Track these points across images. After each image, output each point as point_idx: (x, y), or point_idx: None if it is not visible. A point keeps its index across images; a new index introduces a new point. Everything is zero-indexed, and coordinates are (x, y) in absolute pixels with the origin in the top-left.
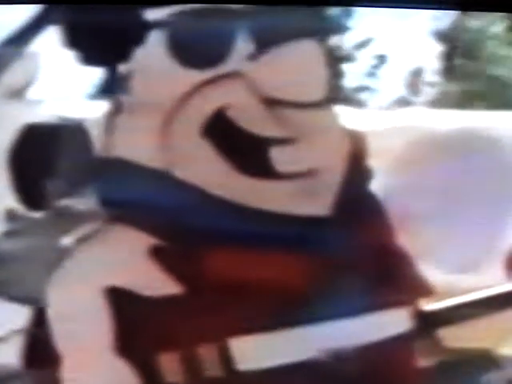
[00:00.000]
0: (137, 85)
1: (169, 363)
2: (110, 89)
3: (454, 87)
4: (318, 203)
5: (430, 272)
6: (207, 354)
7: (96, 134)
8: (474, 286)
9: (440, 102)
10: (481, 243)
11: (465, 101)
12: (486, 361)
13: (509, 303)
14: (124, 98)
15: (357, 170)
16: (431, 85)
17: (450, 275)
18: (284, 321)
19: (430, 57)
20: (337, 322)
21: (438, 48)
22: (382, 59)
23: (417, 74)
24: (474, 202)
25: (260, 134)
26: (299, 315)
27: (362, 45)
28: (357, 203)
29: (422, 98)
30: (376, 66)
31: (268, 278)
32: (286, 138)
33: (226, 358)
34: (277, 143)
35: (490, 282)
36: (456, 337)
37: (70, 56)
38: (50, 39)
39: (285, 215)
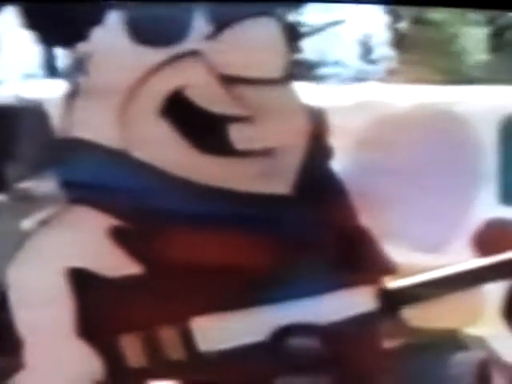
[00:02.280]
0: (95, 65)
1: (131, 346)
2: (69, 69)
3: (410, 62)
4: (278, 182)
5: (395, 251)
6: (169, 336)
7: (55, 115)
8: (439, 265)
9: (397, 77)
10: (445, 222)
11: (422, 75)
12: (452, 341)
13: (475, 282)
14: (82, 79)
15: (317, 148)
16: (387, 59)
17: (414, 254)
18: (246, 301)
19: (385, 31)
20: (299, 301)
21: (393, 22)
22: (339, 34)
23: (372, 48)
24: (438, 180)
25: (219, 112)
26: (261, 295)
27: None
28: (318, 182)
29: (379, 73)
30: (333, 41)
31: (229, 258)
32: (245, 116)
33: (187, 340)
34: (236, 121)
35: (455, 261)
36: (421, 316)
37: (28, 36)
38: (8, 20)
39: (245, 194)
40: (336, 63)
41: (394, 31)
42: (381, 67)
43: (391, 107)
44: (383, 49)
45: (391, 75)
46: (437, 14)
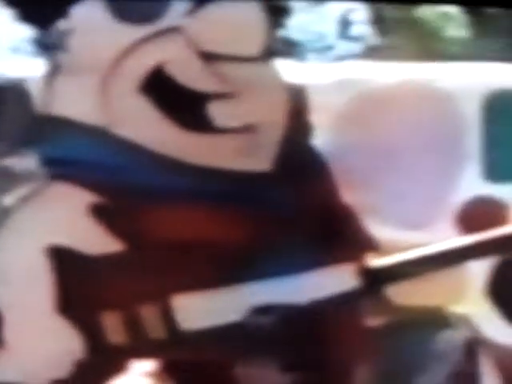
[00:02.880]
0: (75, 42)
1: (111, 323)
2: (49, 47)
3: (391, 40)
4: (258, 159)
5: (377, 229)
6: (149, 313)
7: (35, 93)
8: (423, 242)
9: (378, 54)
10: (430, 199)
11: (403, 53)
12: (437, 319)
13: (459, 259)
14: (63, 57)
15: (298, 125)
16: (368, 37)
17: (397, 232)
18: (227, 279)
19: (366, 9)
20: (281, 279)
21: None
22: (320, 11)
23: (353, 26)
24: (421, 157)
25: (198, 89)
26: (242, 273)
27: None
28: (298, 159)
29: (360, 51)
30: (314, 19)
31: (210, 235)
32: (224, 92)
33: (168, 318)
34: (216, 98)
35: (439, 239)
36: (405, 294)
37: (7, 14)
38: None
39: (226, 171)
40: (317, 41)
41: (374, 10)
42: (362, 45)
43: (372, 84)
44: (364, 27)
45: (372, 53)
46: None
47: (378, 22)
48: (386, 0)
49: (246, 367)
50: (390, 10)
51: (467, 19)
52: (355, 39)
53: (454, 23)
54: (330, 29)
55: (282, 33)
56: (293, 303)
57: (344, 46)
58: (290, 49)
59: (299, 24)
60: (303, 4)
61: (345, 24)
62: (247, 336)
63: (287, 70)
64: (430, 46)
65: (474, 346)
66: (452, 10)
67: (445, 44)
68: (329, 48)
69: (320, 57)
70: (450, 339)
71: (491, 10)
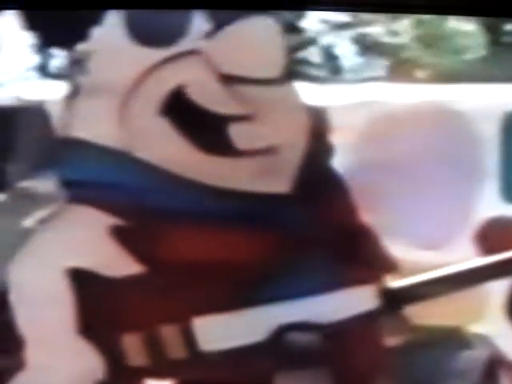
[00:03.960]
0: (95, 65)
1: (132, 344)
2: (69, 70)
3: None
4: (279, 180)
5: (397, 249)
6: (170, 335)
7: (56, 116)
8: (442, 262)
9: (397, 75)
10: (448, 219)
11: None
12: (455, 339)
13: (478, 280)
14: (83, 79)
15: (318, 146)
16: (387, 58)
17: (416, 252)
18: (247, 300)
19: (384, 30)
20: (301, 300)
21: (392, 22)
22: (339, 33)
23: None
24: (440, 178)
25: (219, 111)
26: (262, 294)
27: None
28: (318, 180)
29: (378, 72)
30: (334, 41)
31: (230, 257)
32: (244, 115)
33: (189, 339)
34: (236, 120)
35: (457, 259)
36: (424, 314)
37: (29, 38)
38: (9, 22)
39: (246, 193)
40: (336, 62)
41: (392, 31)
42: (381, 66)
43: (392, 106)
44: (382, 48)
45: (391, 74)
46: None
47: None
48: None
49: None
50: (409, 30)
51: (485, 38)
52: (374, 61)
53: (472, 42)
54: (350, 50)
55: (301, 54)
56: (314, 323)
57: (364, 68)
58: (310, 70)
59: (319, 45)
60: (323, 26)
61: (364, 46)
62: (268, 356)
63: (307, 91)
64: (448, 67)
65: (494, 366)
66: (470, 27)
67: (463, 64)
68: (349, 69)
69: (339, 78)
70: (470, 359)
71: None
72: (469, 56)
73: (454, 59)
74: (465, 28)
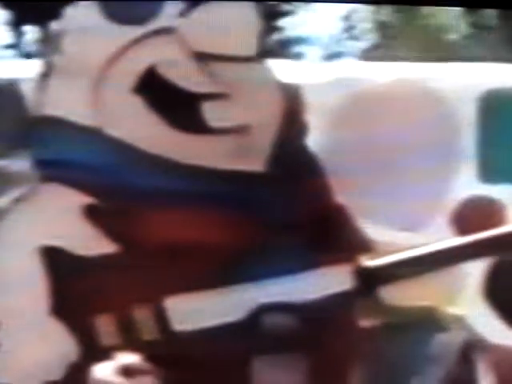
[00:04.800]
0: (68, 44)
1: (105, 325)
2: (42, 49)
3: (387, 39)
4: (252, 159)
5: (372, 230)
6: (143, 315)
7: (28, 95)
8: (418, 243)
9: (374, 54)
10: (424, 200)
11: (399, 53)
12: (432, 321)
13: (454, 260)
14: (56, 58)
15: (293, 125)
16: (364, 37)
17: (392, 233)
18: (221, 280)
19: (363, 10)
20: (275, 280)
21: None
22: (316, 11)
23: (350, 26)
24: (416, 157)
25: (192, 89)
26: (236, 274)
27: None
28: (293, 159)
29: (357, 51)
30: (309, 19)
31: (204, 237)
32: (218, 93)
33: (162, 319)
34: (210, 99)
35: (434, 240)
36: (399, 295)
37: (1, 17)
38: None
39: (219, 172)
40: (312, 41)
41: (372, 11)
42: (358, 45)
43: (368, 84)
44: (360, 27)
45: (368, 52)
46: None
47: (376, 22)
48: (386, 2)
49: (250, 367)
50: (388, 12)
51: (464, 20)
52: (353, 39)
53: (451, 24)
54: (327, 29)
55: (277, 33)
56: (288, 303)
57: (341, 46)
58: (285, 48)
59: (295, 24)
60: (299, 4)
61: (342, 24)
62: (243, 337)
63: (282, 69)
64: (427, 47)
65: (470, 348)
66: (449, 10)
67: (442, 45)
68: (325, 48)
69: (316, 56)
70: (446, 341)
71: (487, 11)
72: (449, 36)
73: (434, 38)
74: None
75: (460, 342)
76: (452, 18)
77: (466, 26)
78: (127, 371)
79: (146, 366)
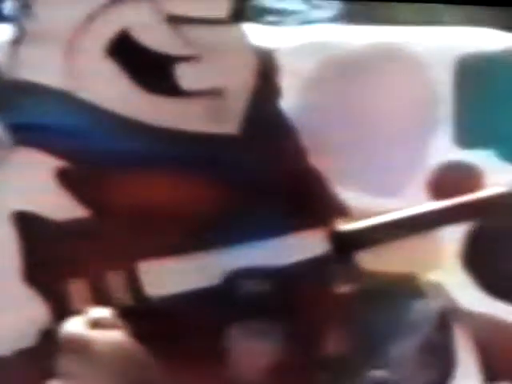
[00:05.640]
0: (41, 9)
1: (77, 291)
2: (15, 14)
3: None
4: (225, 122)
5: (347, 194)
6: (116, 281)
7: (1, 59)
8: (394, 208)
9: (349, 17)
10: (400, 164)
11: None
12: (409, 287)
13: (431, 225)
14: (28, 22)
15: (266, 88)
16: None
17: (367, 198)
18: (194, 244)
19: None
20: (249, 245)
21: None
22: None
23: None
24: (391, 122)
25: (165, 52)
26: (210, 239)
27: None
28: (266, 122)
29: (327, 14)
30: None
31: (176, 200)
32: (191, 55)
33: (134, 284)
34: (182, 61)
35: (410, 205)
36: (376, 260)
37: None
38: None
39: (192, 134)
40: (286, 4)
41: None
42: (333, 8)
43: (342, 48)
44: None
45: (343, 17)
46: None
47: None
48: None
49: (225, 333)
50: None
51: None
52: (326, 2)
53: None
54: None
55: None
56: (263, 268)
57: (314, 10)
58: (259, 12)
59: None
60: None
61: None
62: (218, 302)
63: (256, 33)
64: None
65: (448, 315)
66: None
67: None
68: (298, 12)
69: (289, 20)
70: (423, 308)
71: None
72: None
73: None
74: None
75: (437, 309)
76: None
77: None
78: (97, 324)
79: (117, 319)
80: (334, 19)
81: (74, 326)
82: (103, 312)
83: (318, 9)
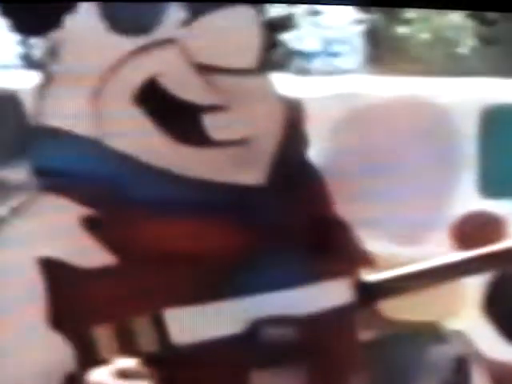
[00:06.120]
0: (68, 53)
1: (103, 336)
2: (43, 58)
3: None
4: (253, 171)
5: (372, 242)
6: (141, 326)
7: (28, 104)
8: (418, 257)
9: (376, 68)
10: (424, 214)
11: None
12: (431, 334)
13: (453, 275)
14: (56, 67)
15: (293, 137)
16: (366, 50)
17: (392, 245)
18: (221, 291)
19: (363, 23)
20: (275, 293)
21: (364, 15)
22: (315, 24)
23: (351, 40)
24: (417, 171)
25: (193, 101)
26: (236, 286)
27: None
28: (293, 171)
29: (358, 65)
30: (312, 32)
31: (204, 248)
32: (219, 105)
33: (160, 331)
34: (210, 110)
35: (433, 254)
36: (399, 308)
37: (1, 25)
38: None
39: (219, 184)
40: (315, 54)
41: (371, 23)
42: (359, 59)
43: (370, 98)
44: (361, 40)
45: (370, 66)
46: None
47: (377, 35)
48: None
49: (249, 380)
50: (389, 24)
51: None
52: (353, 53)
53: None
54: (328, 42)
55: (279, 45)
56: (288, 316)
57: (342, 60)
58: (287, 61)
59: (297, 36)
60: (301, 17)
61: (342, 38)
62: (243, 349)
63: (284, 82)
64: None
65: (468, 361)
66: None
67: (445, 59)
68: (327, 61)
69: (318, 70)
70: (444, 354)
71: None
72: (457, 50)
73: (442, 52)
74: (455, 21)
75: (457, 355)
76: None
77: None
78: (124, 374)
79: (143, 369)
80: (361, 66)
81: (101, 375)
82: (130, 362)
83: (345, 55)
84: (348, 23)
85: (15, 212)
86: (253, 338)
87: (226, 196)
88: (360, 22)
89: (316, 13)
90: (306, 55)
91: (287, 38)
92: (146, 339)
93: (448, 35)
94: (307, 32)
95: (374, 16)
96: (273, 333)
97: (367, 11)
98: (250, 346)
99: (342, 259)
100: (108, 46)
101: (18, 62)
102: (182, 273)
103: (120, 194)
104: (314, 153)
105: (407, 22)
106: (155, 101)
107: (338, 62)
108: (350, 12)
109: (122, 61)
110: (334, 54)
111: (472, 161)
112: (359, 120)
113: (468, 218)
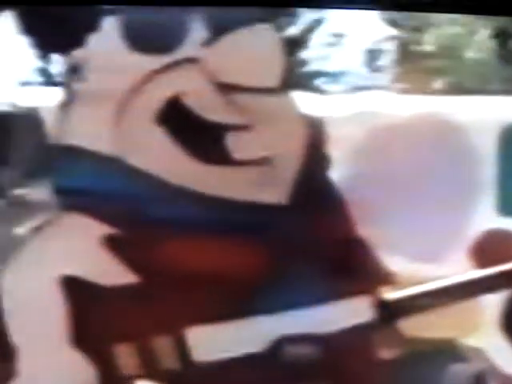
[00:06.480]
0: (91, 71)
1: (125, 355)
2: (65, 76)
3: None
4: (275, 191)
5: (392, 261)
6: (163, 345)
7: (49, 122)
8: (437, 275)
9: (396, 86)
10: (444, 232)
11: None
12: (450, 352)
13: (472, 293)
14: (78, 85)
15: (315, 157)
16: (387, 69)
17: (412, 264)
18: (242, 311)
19: (385, 41)
20: (296, 311)
21: (390, 32)
22: (337, 43)
23: (372, 58)
24: (436, 190)
25: (216, 120)
26: (257, 305)
27: (316, 28)
28: (315, 191)
29: (378, 83)
30: (332, 51)
31: (225, 267)
32: (242, 124)
33: (182, 349)
34: (233, 130)
35: (453, 272)
36: (418, 326)
37: (24, 42)
38: (4, 25)
39: (242, 203)
40: (335, 73)
41: (393, 41)
42: (380, 77)
43: (390, 117)
44: (383, 59)
45: (390, 85)
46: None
47: (399, 53)
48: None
49: None
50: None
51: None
52: (375, 71)
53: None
54: (350, 61)
55: (300, 64)
56: (309, 335)
57: (363, 79)
58: (309, 80)
59: (318, 55)
60: (322, 36)
61: (364, 56)
62: (264, 368)
63: (305, 101)
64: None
65: (486, 378)
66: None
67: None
68: (348, 80)
69: (338, 89)
70: (462, 371)
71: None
72: (479, 69)
73: (464, 71)
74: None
75: (476, 372)
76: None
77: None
78: None
79: None
80: (384, 84)
81: None
82: None
83: (370, 73)
84: (372, 43)
85: (37, 231)
86: (274, 356)
87: (249, 215)
88: (384, 40)
89: (339, 35)
90: (329, 74)
91: (310, 56)
92: (168, 357)
93: (471, 55)
94: (329, 51)
95: (397, 35)
96: (294, 351)
97: (390, 31)
98: (272, 364)
99: (363, 278)
100: (130, 64)
101: (39, 79)
102: (204, 291)
103: (142, 212)
104: (336, 172)
105: (430, 40)
106: (177, 120)
107: (361, 81)
108: (373, 32)
109: (145, 80)
110: (355, 74)
111: (491, 179)
112: (379, 139)
113: (486, 236)
